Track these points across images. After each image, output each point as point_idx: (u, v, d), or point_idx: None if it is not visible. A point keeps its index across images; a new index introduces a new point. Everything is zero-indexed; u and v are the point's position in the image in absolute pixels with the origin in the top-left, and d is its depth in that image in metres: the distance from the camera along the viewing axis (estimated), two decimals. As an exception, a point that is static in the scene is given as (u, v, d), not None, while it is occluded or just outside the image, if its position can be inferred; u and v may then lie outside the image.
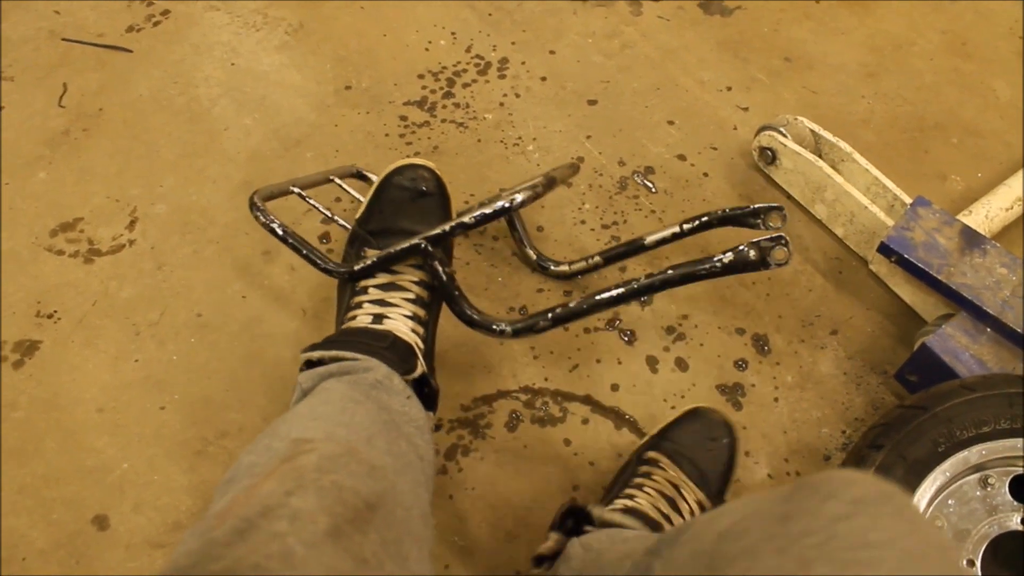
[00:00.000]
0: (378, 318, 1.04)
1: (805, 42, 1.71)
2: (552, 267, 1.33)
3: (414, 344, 1.02)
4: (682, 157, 1.50)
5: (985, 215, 1.37)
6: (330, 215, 1.21)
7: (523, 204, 1.04)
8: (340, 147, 1.50)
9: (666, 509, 1.00)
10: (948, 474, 1.04)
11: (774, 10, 1.76)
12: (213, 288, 1.35)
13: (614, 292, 1.02)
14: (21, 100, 1.60)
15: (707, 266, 0.99)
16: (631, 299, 1.02)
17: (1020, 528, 1.02)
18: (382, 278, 1.08)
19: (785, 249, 0.97)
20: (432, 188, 1.14)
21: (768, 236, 0.98)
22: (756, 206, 1.19)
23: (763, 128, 1.44)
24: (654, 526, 0.96)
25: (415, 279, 1.08)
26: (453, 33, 1.69)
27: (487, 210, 1.04)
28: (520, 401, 1.23)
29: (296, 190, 1.21)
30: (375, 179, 1.16)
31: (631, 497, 1.01)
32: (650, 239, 1.26)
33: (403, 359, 0.98)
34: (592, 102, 1.58)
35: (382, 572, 0.63)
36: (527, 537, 1.12)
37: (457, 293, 1.06)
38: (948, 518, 1.04)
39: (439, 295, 1.09)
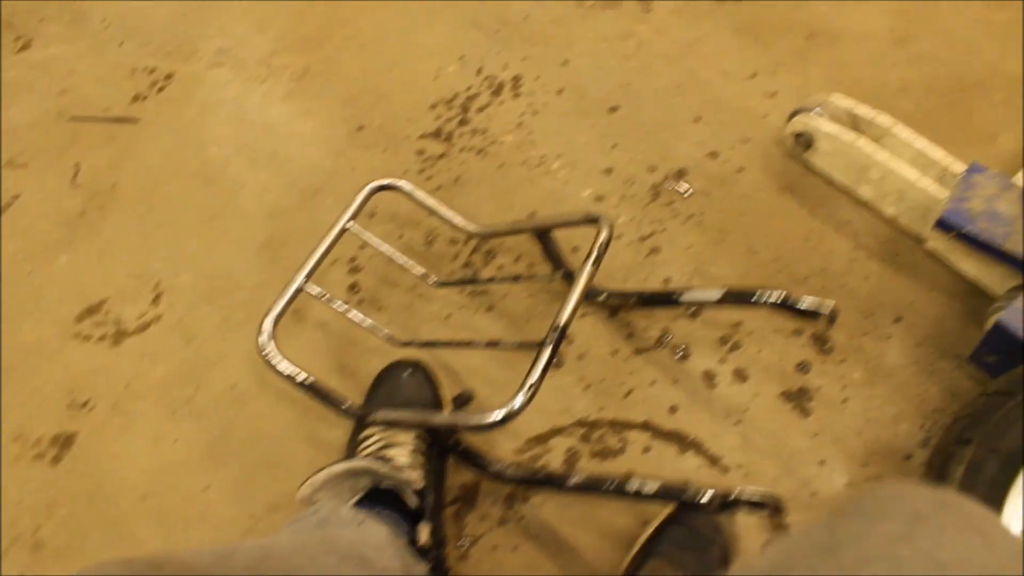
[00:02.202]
0: (381, 450, 1.06)
1: (826, 15, 1.62)
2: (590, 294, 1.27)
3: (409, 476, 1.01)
4: (714, 154, 1.43)
5: (1044, 173, 1.29)
6: (343, 308, 1.18)
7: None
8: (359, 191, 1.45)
9: None
10: (1046, 464, 0.96)
11: (790, -14, 1.69)
12: (246, 355, 1.30)
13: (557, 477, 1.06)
14: (36, 185, 1.57)
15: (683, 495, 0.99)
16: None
17: None
18: (377, 443, 1.09)
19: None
20: (419, 372, 1.17)
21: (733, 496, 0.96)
22: (808, 306, 1.08)
23: (795, 113, 1.36)
24: None
25: (412, 437, 1.08)
26: (461, 57, 1.63)
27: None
28: (576, 436, 1.17)
29: (306, 288, 1.15)
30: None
31: None
32: (687, 296, 1.18)
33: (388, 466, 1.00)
34: (614, 109, 1.51)
35: None
36: (600, 582, 1.06)
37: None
38: (1049, 510, 0.96)
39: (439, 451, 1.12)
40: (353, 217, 1.22)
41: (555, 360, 1.16)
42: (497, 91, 1.57)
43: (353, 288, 1.35)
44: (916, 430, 1.14)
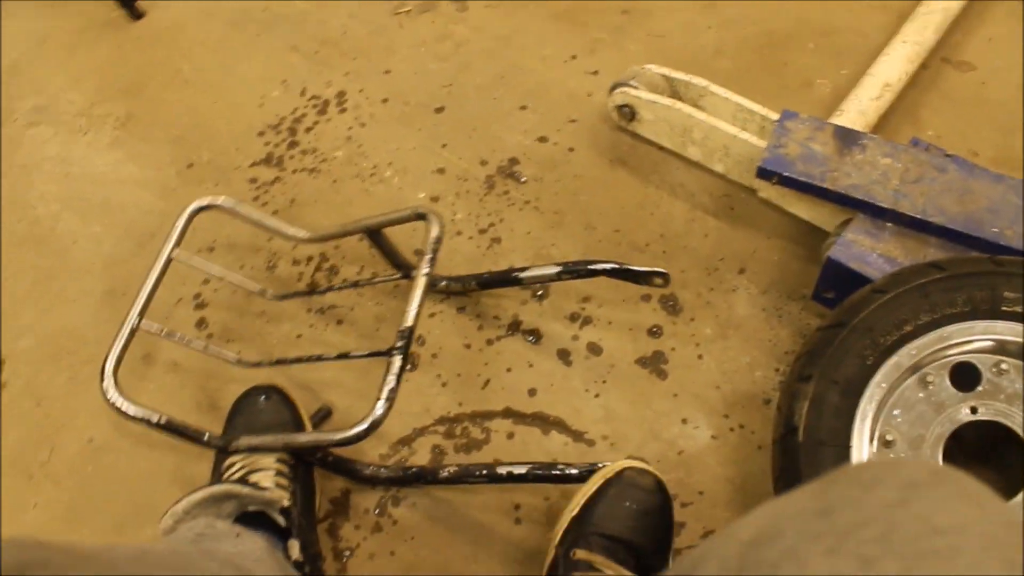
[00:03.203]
0: (245, 477, 1.04)
1: (639, -10, 1.66)
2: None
3: (271, 496, 1.00)
4: (543, 139, 1.44)
5: (858, 111, 1.33)
6: (186, 341, 1.16)
7: None
8: (196, 226, 1.41)
9: None
10: (884, 385, 0.99)
11: (601, -32, 1.71)
12: (99, 409, 1.26)
13: (428, 472, 1.08)
14: None
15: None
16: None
17: (971, 418, 0.97)
18: (240, 470, 1.06)
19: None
20: (274, 394, 1.15)
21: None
22: (639, 269, 1.13)
23: (614, 86, 1.38)
24: None
25: (273, 459, 1.06)
26: (284, 81, 1.61)
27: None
28: (439, 433, 1.16)
29: (142, 326, 1.12)
30: None
31: None
32: (526, 275, 1.20)
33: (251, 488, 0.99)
34: (439, 110, 1.52)
35: None
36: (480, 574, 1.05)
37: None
38: (898, 429, 0.98)
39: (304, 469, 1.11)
40: (177, 244, 1.18)
41: (409, 362, 1.17)
42: (323, 109, 1.56)
43: (201, 324, 1.31)
44: (771, 374, 1.16)
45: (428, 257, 1.02)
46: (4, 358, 1.33)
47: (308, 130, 1.53)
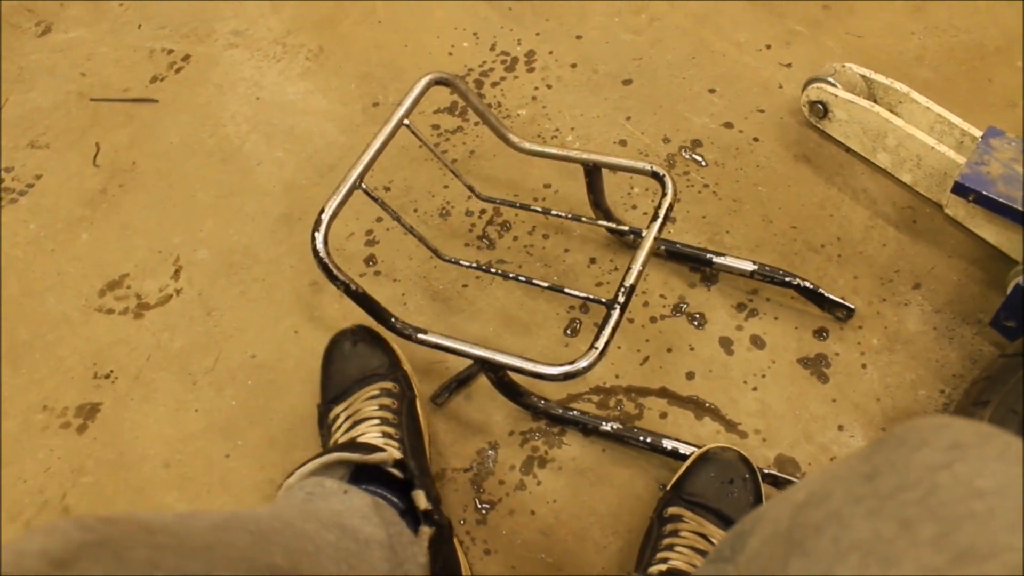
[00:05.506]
0: (351, 428, 1.07)
1: (843, -15, 1.62)
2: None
3: (382, 445, 1.02)
4: (729, 125, 1.43)
5: (1065, 138, 1.27)
6: (396, 216, 1.14)
7: None
8: (375, 165, 1.45)
9: (701, 563, 0.94)
10: (1066, 423, 0.96)
11: (806, -42, 1.68)
12: (264, 327, 1.31)
13: (589, 421, 1.12)
14: (58, 165, 1.59)
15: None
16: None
17: None
18: (345, 421, 1.09)
19: None
20: (363, 336, 1.18)
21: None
22: (831, 297, 1.19)
23: (810, 81, 1.36)
24: None
25: (376, 407, 1.09)
26: (475, 33, 1.64)
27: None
28: (593, 403, 1.17)
29: (360, 186, 1.08)
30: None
31: (665, 561, 0.94)
32: (719, 261, 1.22)
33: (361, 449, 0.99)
34: (627, 82, 1.51)
35: None
36: (616, 546, 1.06)
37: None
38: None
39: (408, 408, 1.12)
40: (408, 112, 1.15)
41: (578, 329, 1.19)
42: (511, 66, 1.57)
43: (369, 260, 1.35)
44: (936, 395, 1.14)
45: (659, 222, 1.03)
46: (183, 264, 1.40)
47: (494, 85, 1.55)
